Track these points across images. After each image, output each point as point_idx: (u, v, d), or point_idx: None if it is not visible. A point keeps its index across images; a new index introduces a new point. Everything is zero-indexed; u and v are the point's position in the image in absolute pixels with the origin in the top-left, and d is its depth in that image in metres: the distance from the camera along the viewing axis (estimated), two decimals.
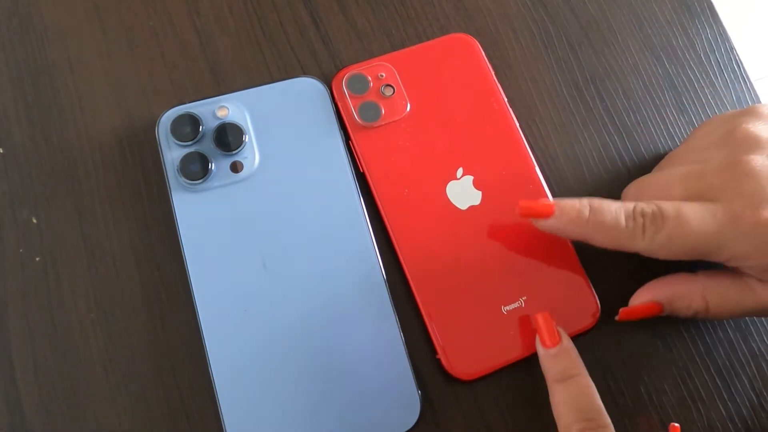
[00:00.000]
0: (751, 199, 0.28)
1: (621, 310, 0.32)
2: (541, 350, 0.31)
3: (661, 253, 0.29)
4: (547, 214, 0.30)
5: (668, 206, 0.29)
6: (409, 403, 0.30)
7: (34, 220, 0.32)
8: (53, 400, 0.30)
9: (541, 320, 0.31)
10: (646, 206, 0.29)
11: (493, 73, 0.36)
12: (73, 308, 0.31)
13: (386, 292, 0.32)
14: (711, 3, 0.40)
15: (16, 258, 0.32)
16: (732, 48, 0.39)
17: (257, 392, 0.30)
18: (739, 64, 0.39)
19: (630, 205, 0.30)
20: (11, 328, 0.31)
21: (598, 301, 0.33)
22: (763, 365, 0.33)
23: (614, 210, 0.30)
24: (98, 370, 0.31)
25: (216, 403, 0.30)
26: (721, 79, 0.39)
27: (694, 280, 0.31)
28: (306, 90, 0.35)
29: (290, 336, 0.31)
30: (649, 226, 0.29)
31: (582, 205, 0.30)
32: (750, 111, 0.31)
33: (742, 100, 0.38)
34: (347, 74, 0.35)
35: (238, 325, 0.31)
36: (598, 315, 0.33)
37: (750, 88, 0.39)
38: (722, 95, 0.38)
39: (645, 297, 0.32)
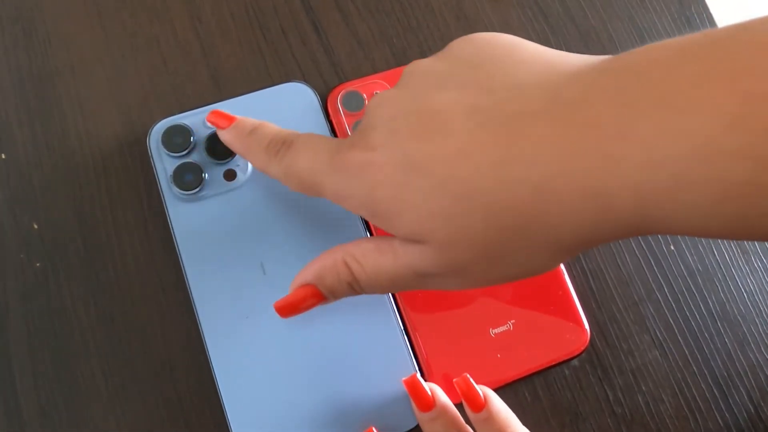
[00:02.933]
0: (354, 136, 0.25)
1: (274, 305, 0.27)
2: (471, 415, 0.28)
3: (287, 182, 0.27)
4: (225, 124, 0.30)
5: (301, 135, 0.27)
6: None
7: (35, 226, 0.33)
8: (53, 405, 0.30)
9: (462, 384, 0.29)
10: (291, 134, 0.28)
11: None
12: (73, 314, 0.31)
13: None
14: (710, 15, 0.40)
15: (16, 263, 0.32)
16: None
17: (262, 397, 0.30)
18: None
19: (284, 131, 0.28)
20: (11, 333, 0.31)
21: (588, 328, 0.33)
22: (761, 376, 0.34)
23: (269, 133, 0.28)
24: (98, 376, 0.31)
25: (220, 408, 0.30)
26: None
27: (338, 249, 0.27)
28: (295, 95, 0.35)
29: (293, 340, 0.31)
30: (282, 151, 0.27)
31: (252, 123, 0.29)
32: None
33: None
34: (342, 91, 0.35)
35: (240, 332, 0.31)
36: (587, 342, 0.33)
37: None
38: None
39: (295, 282, 0.27)
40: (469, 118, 0.22)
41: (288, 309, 0.27)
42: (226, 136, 0.30)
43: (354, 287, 0.26)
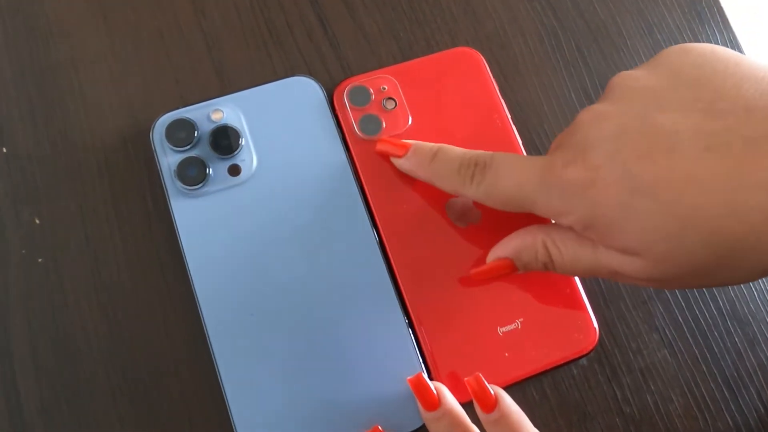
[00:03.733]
0: (567, 152, 0.25)
1: (471, 272, 0.31)
2: (482, 416, 0.28)
3: (489, 202, 0.28)
4: (401, 153, 0.31)
5: (495, 155, 0.28)
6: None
7: (37, 221, 0.32)
8: (54, 403, 0.30)
9: (473, 384, 0.28)
10: (482, 155, 0.28)
11: (497, 88, 0.35)
12: (76, 310, 0.31)
13: (392, 289, 0.32)
14: (721, 8, 0.40)
15: (18, 259, 0.32)
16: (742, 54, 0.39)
17: (266, 395, 0.30)
18: None
19: (471, 152, 0.29)
20: (13, 329, 0.31)
21: (597, 327, 0.32)
22: None
23: (456, 156, 0.29)
24: (100, 372, 0.30)
25: (224, 406, 0.30)
26: None
27: (538, 229, 0.28)
28: (300, 89, 0.34)
29: (298, 338, 0.30)
30: (478, 174, 0.28)
31: (432, 148, 0.30)
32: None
33: None
34: (349, 86, 0.34)
35: (243, 329, 0.30)
36: (596, 341, 0.32)
37: None
38: None
39: (494, 255, 0.30)
40: (697, 141, 0.21)
41: (483, 276, 0.30)
42: (405, 165, 0.31)
43: (548, 267, 0.28)
